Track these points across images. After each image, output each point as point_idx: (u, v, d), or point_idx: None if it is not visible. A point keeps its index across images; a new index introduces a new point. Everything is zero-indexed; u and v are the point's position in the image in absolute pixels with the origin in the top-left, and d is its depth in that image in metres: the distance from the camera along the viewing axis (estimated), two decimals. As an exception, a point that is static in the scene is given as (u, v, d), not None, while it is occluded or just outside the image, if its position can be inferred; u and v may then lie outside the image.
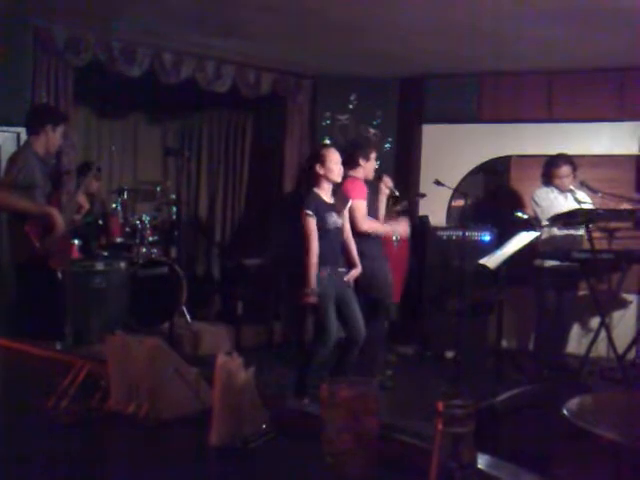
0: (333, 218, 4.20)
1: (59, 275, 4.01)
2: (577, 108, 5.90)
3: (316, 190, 4.20)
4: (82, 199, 4.34)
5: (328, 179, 4.19)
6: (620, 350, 4.76)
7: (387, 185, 4.81)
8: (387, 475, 1.12)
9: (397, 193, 4.90)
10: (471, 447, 0.89)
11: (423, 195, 5.90)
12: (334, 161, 4.21)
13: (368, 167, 4.66)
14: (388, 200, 4.95)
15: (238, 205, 7.08)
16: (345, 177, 4.37)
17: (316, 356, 4.14)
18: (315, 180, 4.20)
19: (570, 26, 4.72)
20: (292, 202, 4.45)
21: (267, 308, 6.26)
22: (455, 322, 5.21)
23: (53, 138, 4.09)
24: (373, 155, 4.71)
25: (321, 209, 4.16)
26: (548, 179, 5.12)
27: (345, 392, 1.10)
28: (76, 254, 4.95)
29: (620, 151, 5.84)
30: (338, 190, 4.32)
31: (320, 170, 4.16)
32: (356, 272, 4.32)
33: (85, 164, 5.56)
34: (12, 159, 4.04)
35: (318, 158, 4.20)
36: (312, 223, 4.10)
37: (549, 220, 4.96)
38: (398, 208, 5.35)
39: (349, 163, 4.50)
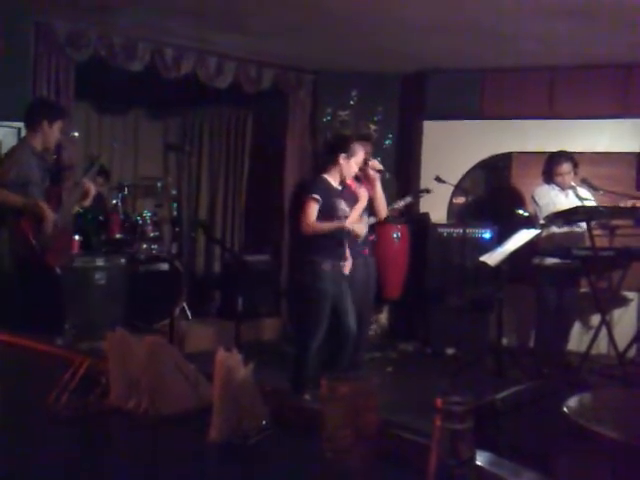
0: (342, 205, 4.05)
1: (57, 271, 3.97)
2: (579, 105, 5.88)
3: (326, 176, 4.07)
4: (89, 186, 4.18)
5: (343, 173, 4.05)
6: (620, 348, 4.76)
7: (375, 167, 4.48)
8: (386, 471, 1.12)
9: (386, 172, 4.69)
10: (470, 444, 0.89)
11: (428, 191, 5.51)
12: (359, 160, 4.08)
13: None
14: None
15: (239, 201, 7.07)
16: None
17: (307, 349, 4.09)
18: (329, 167, 4.06)
19: (572, 23, 4.71)
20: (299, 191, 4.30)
21: (267, 304, 6.26)
22: (455, 319, 5.22)
23: (50, 134, 4.01)
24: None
25: (334, 194, 4.04)
26: (549, 176, 5.11)
27: (345, 388, 1.10)
28: (75, 249, 4.92)
29: (621, 149, 5.83)
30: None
31: (343, 161, 4.02)
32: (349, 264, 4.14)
33: (91, 164, 5.50)
34: (7, 155, 4.03)
35: (347, 149, 4.04)
36: (314, 208, 3.92)
37: (545, 219, 4.95)
38: (401, 204, 5.27)
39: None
